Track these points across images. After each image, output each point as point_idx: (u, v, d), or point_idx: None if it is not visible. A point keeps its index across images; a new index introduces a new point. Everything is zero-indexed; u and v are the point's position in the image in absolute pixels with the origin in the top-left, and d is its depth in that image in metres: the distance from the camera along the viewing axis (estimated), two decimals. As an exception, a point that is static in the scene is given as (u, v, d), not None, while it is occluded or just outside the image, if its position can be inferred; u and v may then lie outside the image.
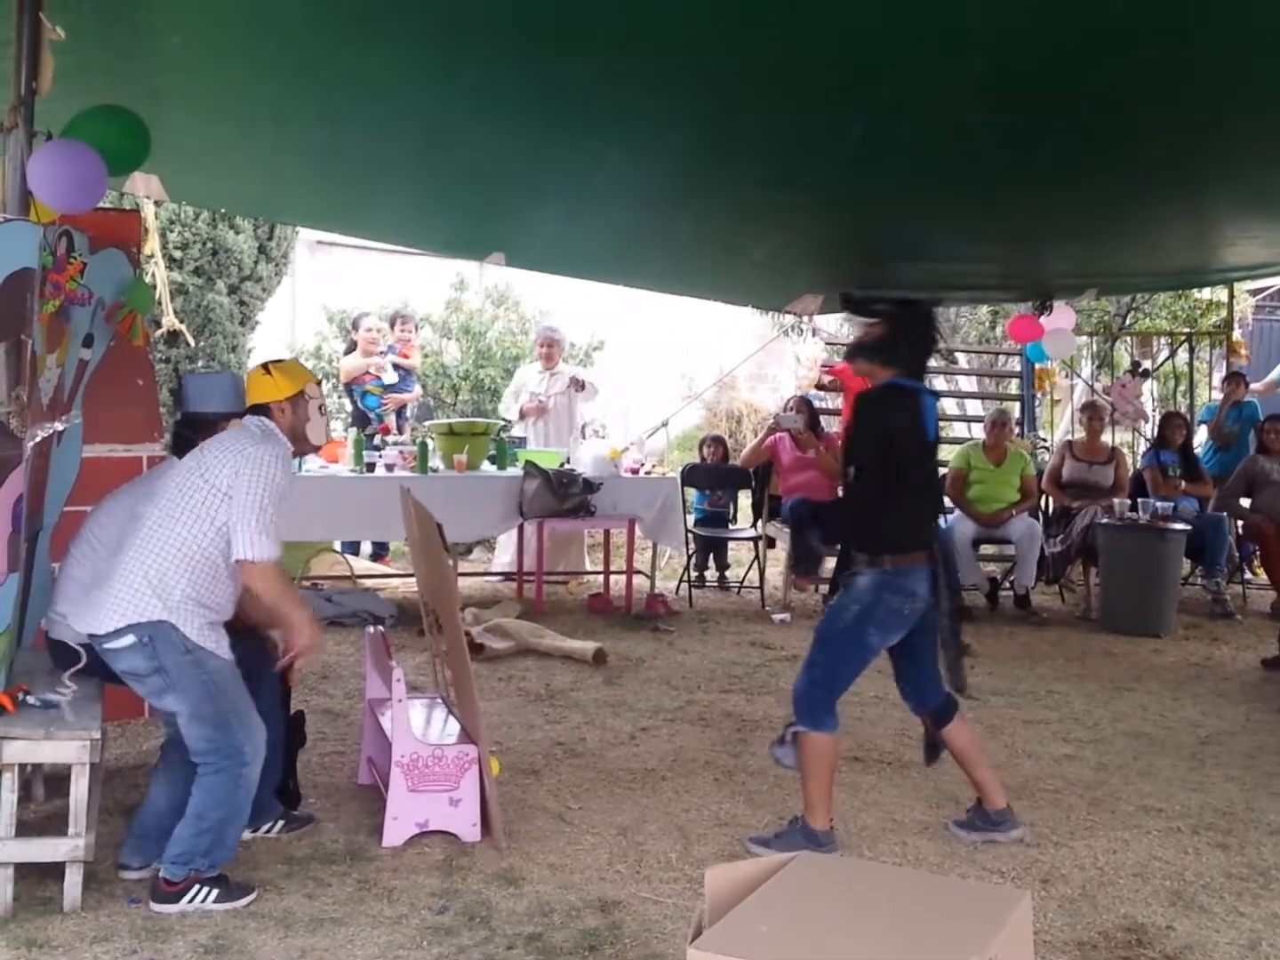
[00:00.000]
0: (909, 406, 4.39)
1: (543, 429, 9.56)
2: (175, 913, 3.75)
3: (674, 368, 14.90)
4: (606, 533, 9.34)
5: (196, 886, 3.79)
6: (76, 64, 3.98)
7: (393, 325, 10.13)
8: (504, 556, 9.65)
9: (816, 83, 4.81)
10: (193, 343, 10.23)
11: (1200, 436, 10.73)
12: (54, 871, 3.77)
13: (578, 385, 9.58)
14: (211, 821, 3.84)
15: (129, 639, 3.80)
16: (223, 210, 10.51)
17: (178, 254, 10.81)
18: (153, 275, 8.17)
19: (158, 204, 8.44)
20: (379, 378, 9.65)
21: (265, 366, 4.17)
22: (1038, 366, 10.60)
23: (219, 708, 3.85)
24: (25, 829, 3.83)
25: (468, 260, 9.61)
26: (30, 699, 3.84)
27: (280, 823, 4.44)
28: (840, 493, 4.62)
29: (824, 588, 7.63)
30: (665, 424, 10.96)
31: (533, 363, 9.96)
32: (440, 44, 4.57)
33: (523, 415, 9.57)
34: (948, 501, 9.28)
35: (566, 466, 8.57)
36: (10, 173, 3.85)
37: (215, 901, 3.79)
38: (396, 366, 9.78)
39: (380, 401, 9.66)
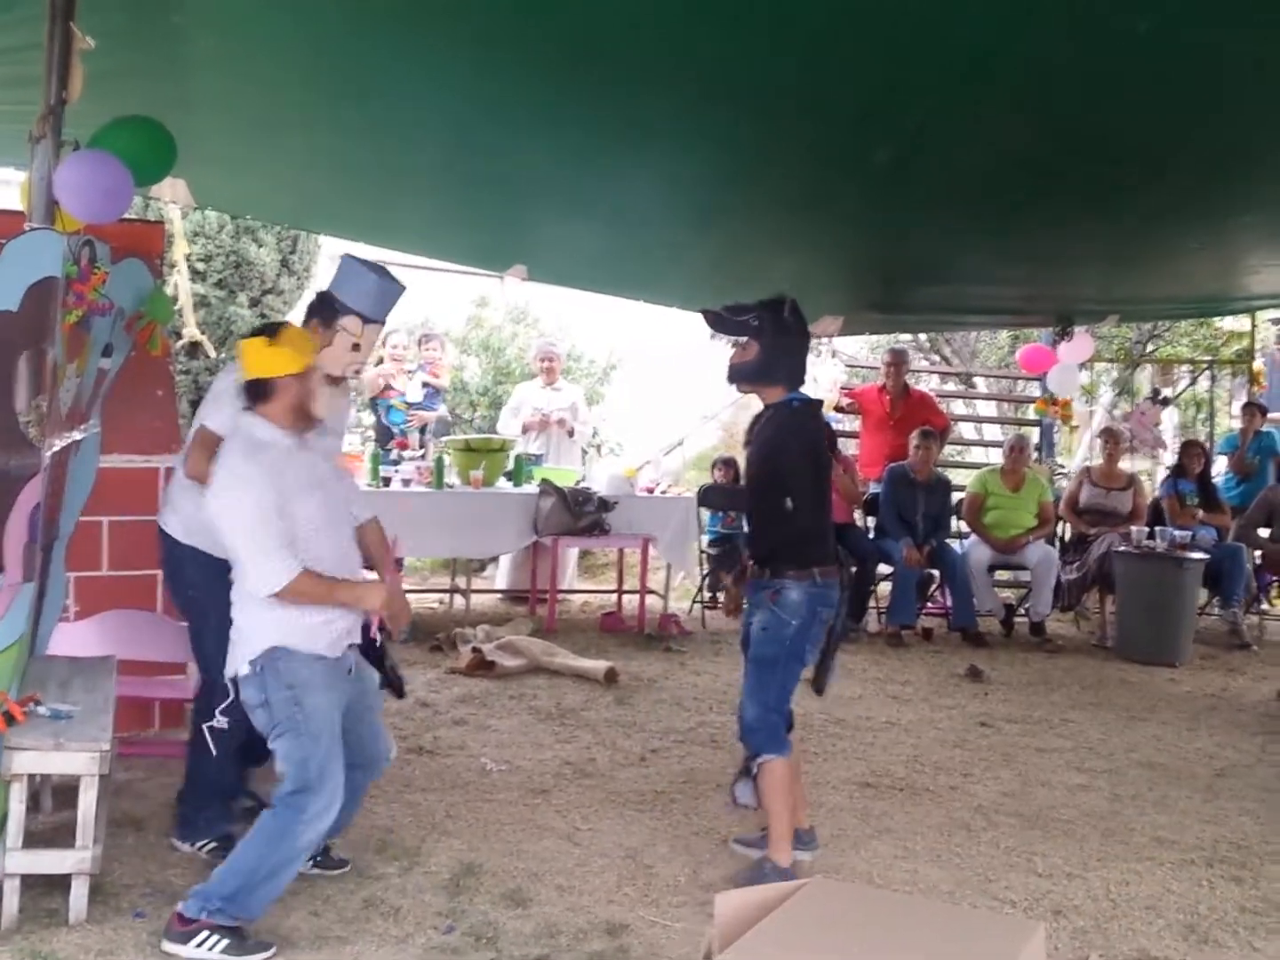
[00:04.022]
0: (806, 424, 4.46)
1: (544, 443, 9.53)
2: (183, 958, 3.57)
3: (692, 386, 14.89)
4: (620, 552, 9.32)
5: (207, 932, 3.57)
6: (106, 68, 3.98)
7: (420, 344, 10.13)
8: (504, 575, 9.62)
9: (842, 108, 4.83)
10: (213, 354, 10.25)
11: (1220, 465, 10.68)
12: (60, 883, 3.75)
13: (568, 431, 9.54)
14: (245, 864, 3.64)
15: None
16: (248, 216, 10.55)
17: (200, 266, 10.85)
18: (175, 285, 8.20)
19: (183, 214, 8.48)
20: (403, 393, 9.65)
21: (266, 335, 3.79)
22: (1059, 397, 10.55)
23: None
24: (33, 840, 3.81)
25: (490, 272, 9.60)
26: (41, 709, 3.83)
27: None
28: (756, 510, 4.49)
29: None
30: (681, 443, 10.94)
31: (534, 378, 9.95)
32: (472, 57, 4.59)
33: (525, 430, 9.54)
34: (964, 525, 9.27)
35: (582, 484, 8.56)
36: (37, 182, 3.86)
37: (224, 952, 3.55)
38: (425, 385, 9.78)
39: (405, 418, 9.66)
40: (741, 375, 4.49)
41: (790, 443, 4.40)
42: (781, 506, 4.31)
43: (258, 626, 3.67)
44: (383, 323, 4.36)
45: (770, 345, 4.37)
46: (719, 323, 4.50)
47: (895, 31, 4.12)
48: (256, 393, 3.75)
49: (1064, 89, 4.54)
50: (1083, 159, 5.29)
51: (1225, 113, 4.69)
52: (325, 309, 4.24)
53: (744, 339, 4.43)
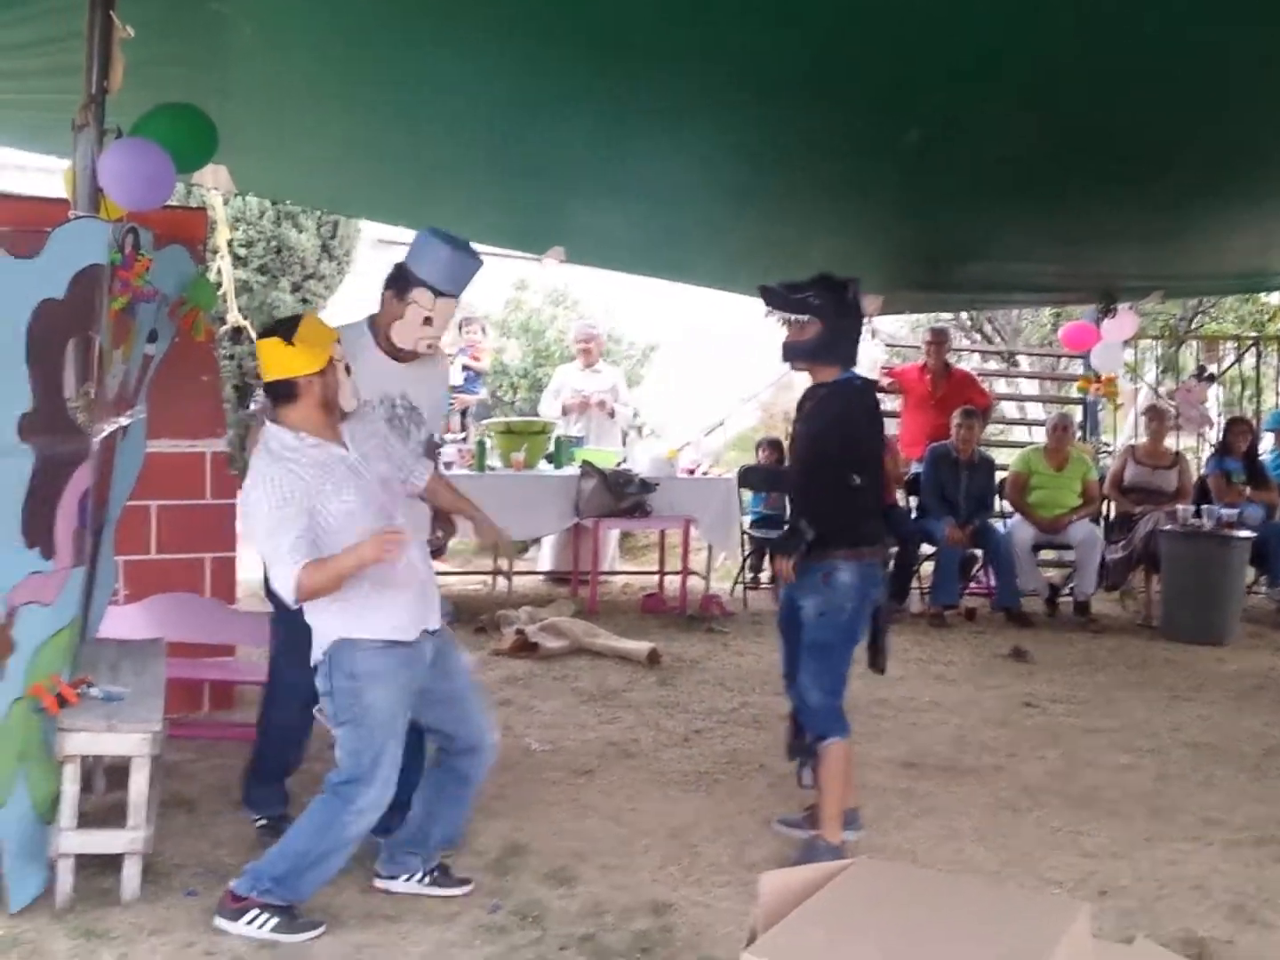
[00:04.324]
0: (869, 403, 4.51)
1: (585, 425, 9.54)
2: (234, 934, 3.59)
3: (732, 367, 14.87)
4: (662, 533, 9.33)
5: (257, 910, 3.61)
6: (147, 56, 4.00)
7: (460, 328, 10.16)
8: (546, 557, 9.65)
9: (874, 95, 4.81)
10: (255, 339, 10.33)
11: (1267, 443, 10.56)
12: (113, 863, 3.81)
13: (609, 412, 9.54)
14: (294, 848, 3.67)
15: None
16: (289, 202, 10.61)
17: (242, 251, 10.93)
18: (219, 271, 8.26)
19: (225, 200, 8.53)
20: None
21: (283, 334, 3.65)
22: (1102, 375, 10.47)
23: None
24: (85, 820, 3.86)
25: (529, 254, 9.63)
26: (93, 691, 3.88)
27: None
28: (813, 488, 4.44)
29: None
30: (722, 423, 10.93)
31: (573, 360, 9.96)
32: (506, 43, 4.59)
33: (565, 412, 9.55)
34: (1007, 505, 9.22)
35: (623, 466, 8.57)
36: (81, 170, 3.89)
37: (274, 930, 3.58)
38: (466, 368, 9.81)
39: (450, 401, 9.71)
40: (801, 353, 4.45)
41: (860, 418, 4.43)
42: (845, 483, 4.30)
43: (323, 619, 3.68)
44: (457, 297, 4.20)
45: (833, 325, 4.34)
46: (777, 299, 4.41)
47: (933, 8, 4.09)
48: (279, 394, 3.66)
49: (1095, 64, 4.50)
50: (1117, 133, 5.24)
51: (1267, 79, 4.63)
52: (398, 280, 4.14)
53: (804, 317, 4.35)
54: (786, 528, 4.52)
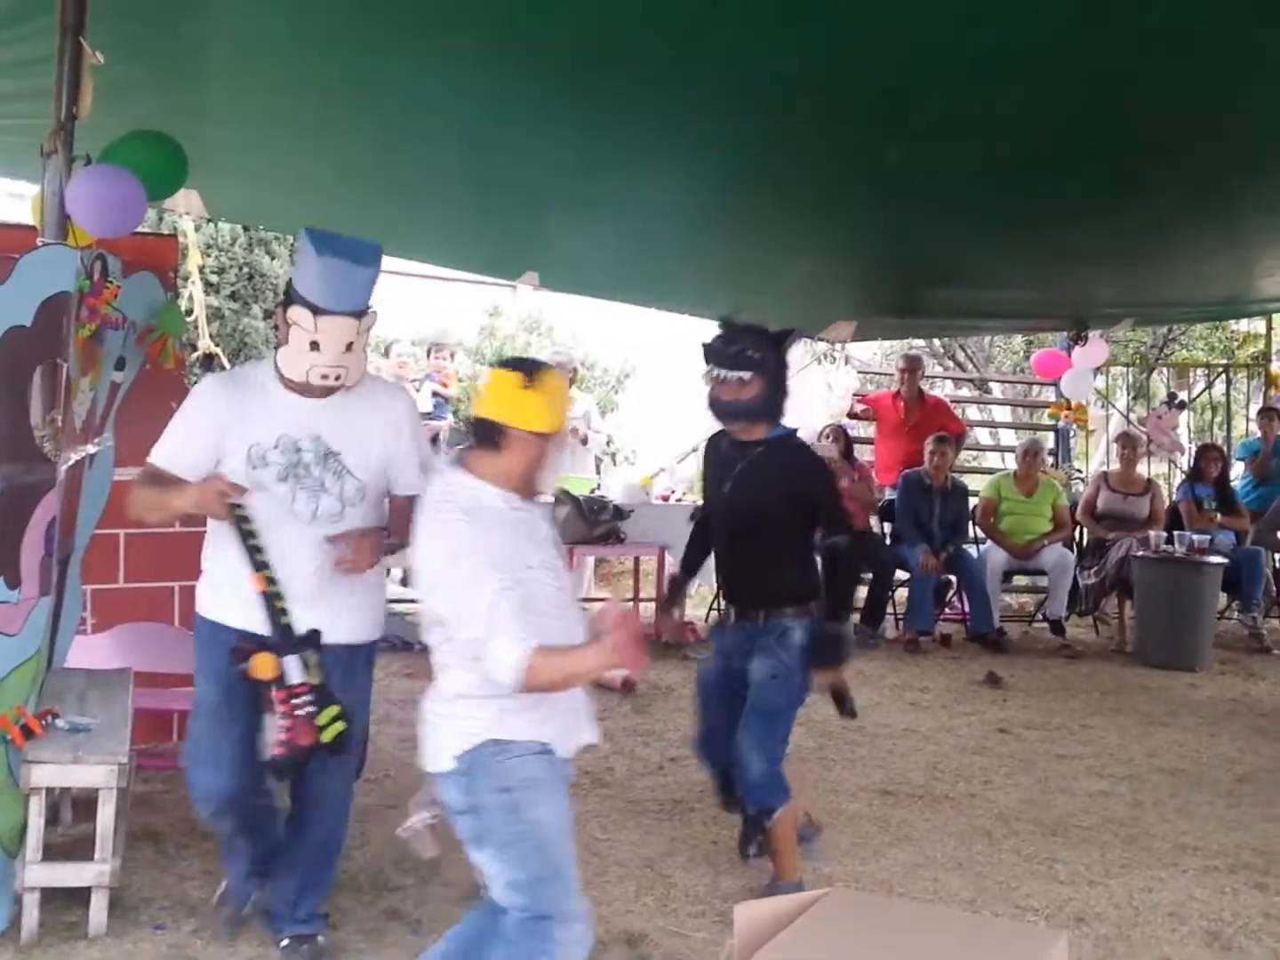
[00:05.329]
0: (815, 458, 4.48)
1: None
2: None
3: (705, 394, 14.90)
4: (636, 560, 9.31)
5: None
6: (118, 79, 3.99)
7: (428, 354, 10.15)
8: None
9: (852, 109, 4.83)
10: (228, 366, 10.28)
11: (1238, 470, 10.63)
12: (80, 896, 3.75)
13: (581, 439, 9.53)
14: None
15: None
16: (261, 227, 10.58)
17: (214, 278, 10.88)
18: (190, 297, 8.22)
19: (196, 226, 8.51)
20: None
21: (525, 372, 2.99)
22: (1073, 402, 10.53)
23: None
24: (52, 853, 3.81)
25: (502, 280, 9.66)
26: (59, 722, 3.83)
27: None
28: (772, 547, 4.21)
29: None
30: (695, 450, 10.92)
31: None
32: (482, 65, 4.61)
33: None
34: (979, 532, 9.24)
35: (597, 493, 8.56)
36: (49, 197, 3.87)
37: None
38: (435, 394, 9.78)
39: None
40: (741, 412, 4.20)
41: (819, 474, 4.37)
42: (806, 543, 4.25)
43: (463, 709, 3.00)
44: (352, 315, 3.39)
45: (774, 381, 4.17)
46: (721, 357, 4.14)
47: (905, 30, 4.12)
48: (485, 435, 3.01)
49: (1072, 88, 4.53)
50: (1093, 157, 5.28)
51: (1238, 110, 4.68)
52: (284, 297, 3.49)
53: (747, 374, 4.11)
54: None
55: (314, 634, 3.44)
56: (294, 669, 3.38)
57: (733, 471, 4.29)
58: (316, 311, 3.34)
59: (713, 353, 4.18)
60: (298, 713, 3.35)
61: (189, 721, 3.74)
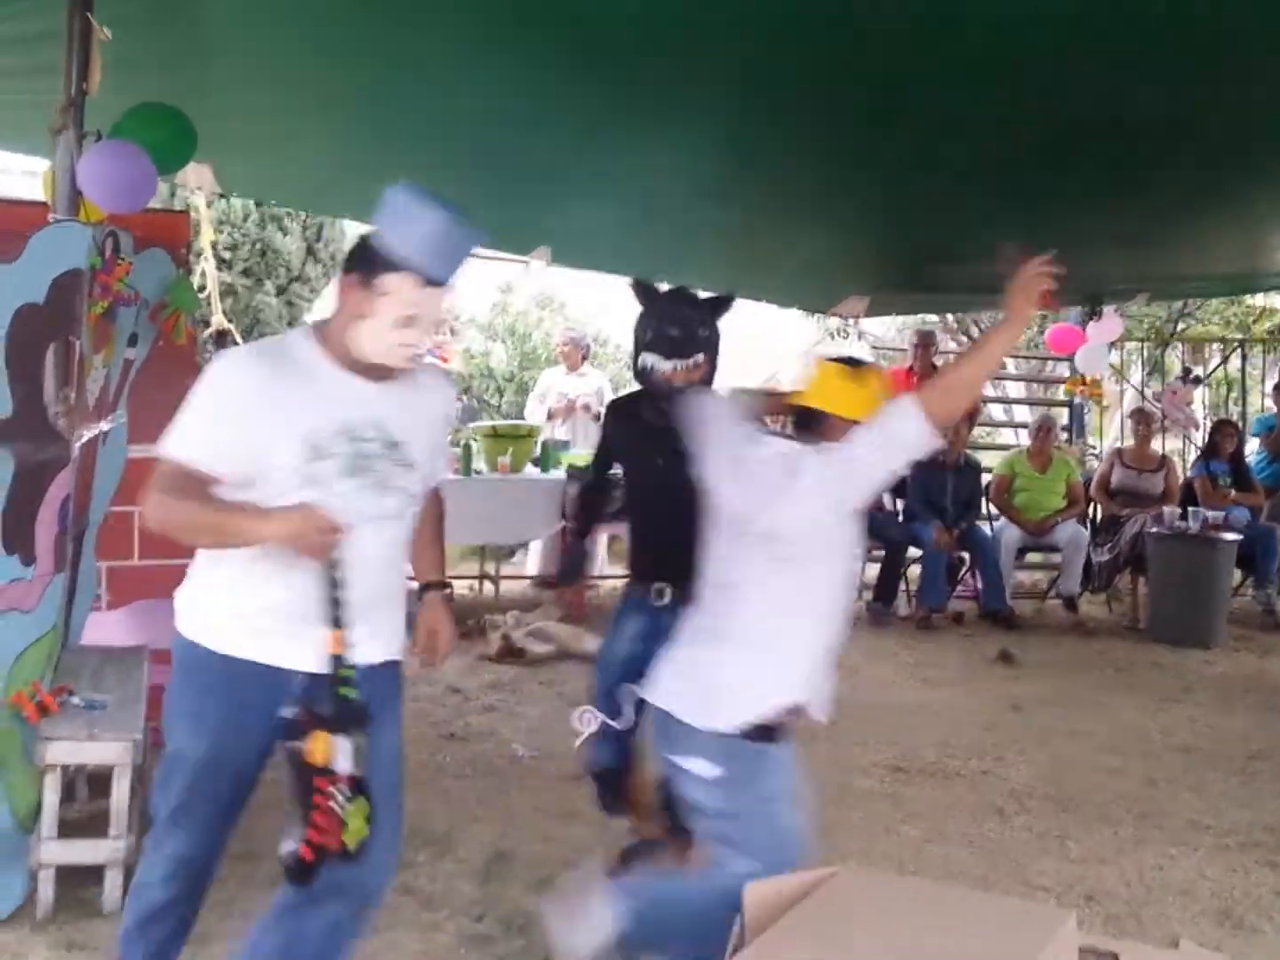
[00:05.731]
0: None
1: (570, 429, 9.51)
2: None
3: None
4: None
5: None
6: (127, 54, 3.97)
7: None
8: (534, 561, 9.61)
9: (863, 93, 4.81)
10: (240, 343, 10.29)
11: (1252, 446, 10.58)
12: (95, 873, 3.77)
13: (594, 416, 9.52)
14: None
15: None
16: (272, 202, 10.58)
17: (226, 255, 10.91)
18: (203, 273, 8.22)
19: (208, 202, 8.50)
20: None
21: (856, 365, 3.21)
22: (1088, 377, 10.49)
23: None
24: (67, 829, 3.83)
25: (512, 256, 9.64)
26: (74, 699, 3.86)
27: None
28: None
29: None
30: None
31: (557, 365, 9.93)
32: (491, 38, 4.58)
33: (551, 416, 9.52)
34: (994, 508, 9.22)
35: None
36: (60, 174, 3.86)
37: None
38: None
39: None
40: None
41: None
42: None
43: (743, 676, 3.06)
44: (448, 286, 2.85)
45: (716, 352, 3.91)
46: (684, 346, 3.82)
47: (918, 23, 4.09)
48: (807, 423, 3.19)
49: (1084, 65, 4.50)
50: (1105, 134, 5.25)
51: (1250, 82, 4.64)
52: (365, 262, 2.78)
53: (700, 357, 3.85)
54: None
55: (366, 710, 2.72)
56: (344, 755, 2.64)
57: (672, 445, 3.60)
58: (426, 281, 2.75)
59: (663, 341, 3.82)
60: (335, 808, 2.61)
61: (155, 784, 3.03)
